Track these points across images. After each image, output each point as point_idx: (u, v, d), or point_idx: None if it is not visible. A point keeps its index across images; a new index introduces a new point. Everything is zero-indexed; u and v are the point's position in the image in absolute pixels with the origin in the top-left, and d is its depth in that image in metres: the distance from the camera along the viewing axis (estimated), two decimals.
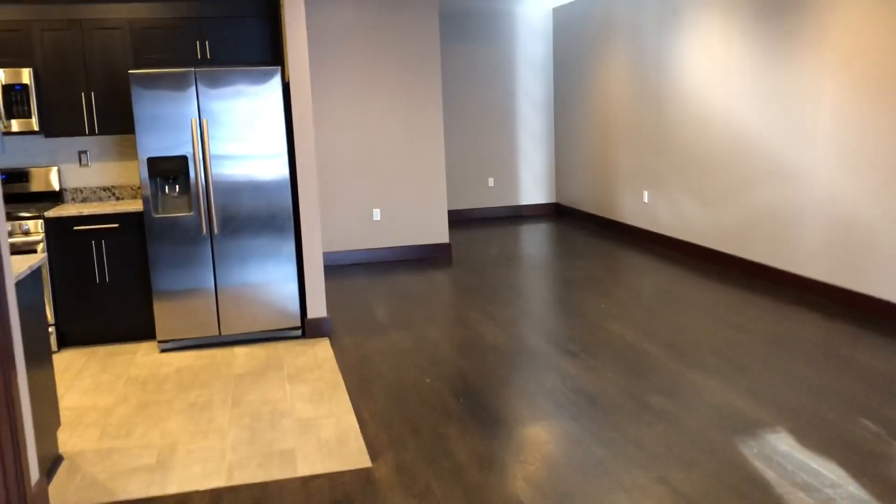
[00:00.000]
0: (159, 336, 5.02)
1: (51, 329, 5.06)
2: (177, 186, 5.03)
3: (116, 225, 5.10)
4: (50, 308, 5.05)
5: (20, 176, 5.40)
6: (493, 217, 10.27)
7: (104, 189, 5.62)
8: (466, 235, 8.99)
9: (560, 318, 5.44)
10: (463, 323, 5.44)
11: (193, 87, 4.84)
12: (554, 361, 4.55)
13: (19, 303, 3.11)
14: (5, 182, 5.37)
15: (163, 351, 5.06)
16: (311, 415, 3.91)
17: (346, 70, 7.38)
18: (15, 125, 5.05)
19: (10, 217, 4.93)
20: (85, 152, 5.57)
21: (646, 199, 8.10)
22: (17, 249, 4.93)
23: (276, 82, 4.95)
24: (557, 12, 9.99)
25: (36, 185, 5.43)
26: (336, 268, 7.47)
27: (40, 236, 4.97)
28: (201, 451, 3.55)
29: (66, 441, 3.70)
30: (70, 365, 4.85)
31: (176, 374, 4.61)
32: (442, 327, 5.35)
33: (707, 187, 7.04)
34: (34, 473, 2.92)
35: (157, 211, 4.94)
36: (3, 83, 5.00)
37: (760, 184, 6.29)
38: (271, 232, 5.07)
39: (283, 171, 5.04)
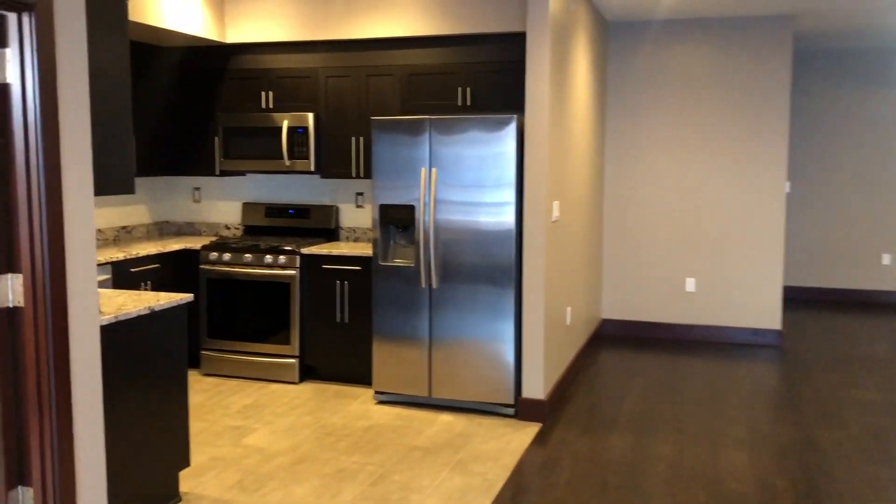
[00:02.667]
0: (376, 386, 4.88)
1: (293, 360, 5.26)
2: (406, 236, 4.85)
3: (359, 267, 5.11)
4: (297, 340, 5.25)
5: (304, 212, 5.74)
6: (882, 303, 8.17)
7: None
8: (826, 322, 7.26)
9: (849, 461, 3.94)
10: (715, 442, 4.27)
11: (427, 135, 4.61)
12: None
13: (134, 339, 3.16)
14: (291, 216, 5.77)
15: (378, 402, 4.90)
16: None
17: (668, 119, 6.48)
18: (295, 165, 5.38)
19: (273, 250, 5.25)
20: (361, 194, 5.72)
21: None
22: (272, 280, 5.23)
23: (510, 130, 4.46)
24: None
25: (316, 222, 5.72)
26: (629, 340, 6.58)
27: (295, 271, 5.20)
28: None
29: (204, 483, 3.71)
30: (294, 399, 4.96)
31: (362, 432, 4.39)
32: (683, 441, 4.27)
33: None
34: None
35: (384, 258, 4.81)
36: (289, 126, 5.37)
37: None
38: (491, 293, 4.57)
39: (510, 224, 4.52)
